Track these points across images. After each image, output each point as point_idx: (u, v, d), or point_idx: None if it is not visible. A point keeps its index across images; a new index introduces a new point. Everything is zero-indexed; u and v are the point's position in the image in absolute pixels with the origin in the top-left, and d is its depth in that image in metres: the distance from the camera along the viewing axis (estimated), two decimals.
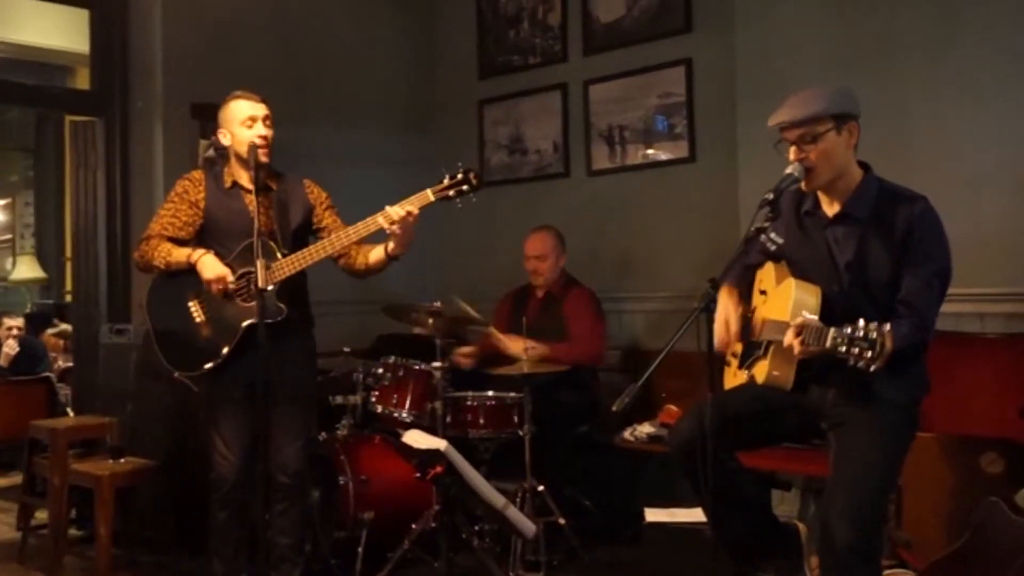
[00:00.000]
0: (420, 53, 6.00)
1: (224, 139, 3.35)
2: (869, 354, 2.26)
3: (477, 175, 3.29)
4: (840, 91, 2.68)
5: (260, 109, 3.32)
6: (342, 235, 3.28)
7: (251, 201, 3.27)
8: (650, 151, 5.11)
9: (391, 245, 3.32)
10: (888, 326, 2.27)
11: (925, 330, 2.56)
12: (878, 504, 2.61)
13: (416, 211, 3.21)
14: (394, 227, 3.21)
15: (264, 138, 3.29)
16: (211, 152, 4.73)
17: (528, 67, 5.61)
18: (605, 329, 4.58)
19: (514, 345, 4.24)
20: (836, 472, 2.63)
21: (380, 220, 3.22)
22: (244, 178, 3.35)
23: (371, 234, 3.28)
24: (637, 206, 5.13)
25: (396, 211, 3.20)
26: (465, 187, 3.27)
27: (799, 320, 2.48)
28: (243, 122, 3.29)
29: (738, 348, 2.98)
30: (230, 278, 3.24)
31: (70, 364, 5.64)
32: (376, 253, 3.39)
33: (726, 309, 2.84)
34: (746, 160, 4.43)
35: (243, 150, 3.28)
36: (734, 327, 2.84)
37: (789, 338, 2.48)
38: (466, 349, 4.59)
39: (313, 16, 5.41)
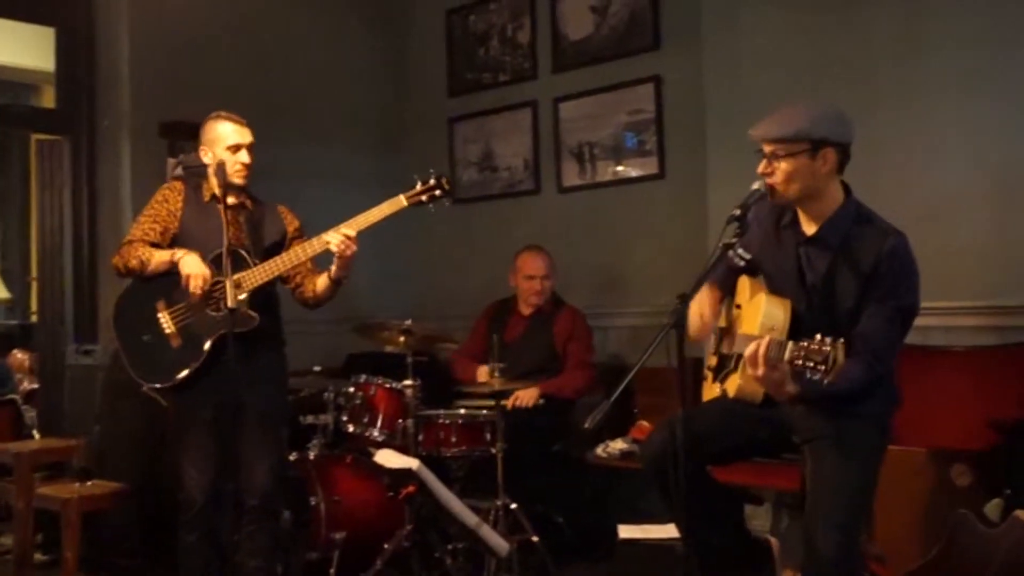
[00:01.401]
0: (390, 71, 6.01)
1: (205, 158, 3.35)
2: (822, 368, 2.27)
3: (449, 180, 3.35)
4: (827, 113, 2.65)
5: (246, 136, 3.34)
6: (291, 252, 3.30)
7: (225, 216, 3.25)
8: (620, 168, 5.14)
9: (333, 269, 3.34)
10: (841, 340, 2.28)
11: (881, 366, 2.57)
12: (858, 519, 2.63)
13: (353, 233, 3.22)
14: (337, 249, 3.22)
15: (245, 165, 3.32)
16: (179, 171, 4.70)
17: (498, 84, 5.64)
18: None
19: (526, 395, 4.27)
20: (813, 489, 2.64)
21: (326, 239, 3.24)
22: (222, 194, 3.33)
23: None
24: (608, 222, 5.15)
25: (333, 235, 3.23)
26: (438, 192, 3.32)
27: (766, 339, 2.48)
28: (228, 147, 3.31)
29: (713, 361, 2.99)
30: (209, 281, 3.20)
31: (35, 386, 5.56)
32: (322, 280, 3.41)
33: (701, 302, 2.85)
34: (715, 176, 4.46)
35: (224, 171, 3.28)
36: (708, 317, 2.84)
37: (750, 351, 2.47)
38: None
39: (283, 33, 5.41)
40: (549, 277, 4.61)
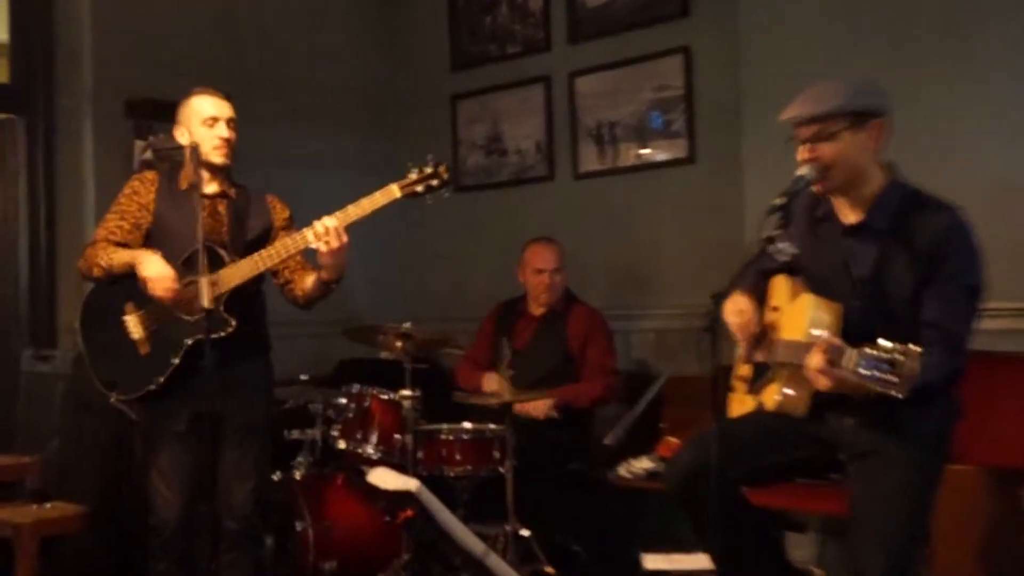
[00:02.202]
0: (384, 43, 6.02)
1: (181, 137, 3.36)
2: (895, 380, 2.26)
3: (447, 168, 3.34)
4: (864, 85, 2.68)
5: (224, 109, 3.35)
6: (272, 249, 3.29)
7: (206, 206, 3.29)
8: (644, 151, 5.14)
9: (320, 269, 3.34)
10: (916, 348, 2.28)
11: (959, 354, 2.58)
12: (911, 549, 2.63)
13: (334, 225, 3.19)
14: (319, 244, 3.20)
15: (225, 140, 3.33)
16: (147, 154, 4.72)
17: (507, 57, 5.64)
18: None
19: (535, 407, 4.29)
20: (861, 513, 2.65)
21: (307, 234, 3.23)
22: (201, 181, 3.35)
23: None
24: (630, 212, 5.16)
25: (315, 227, 3.20)
26: (435, 181, 3.31)
27: (825, 338, 2.48)
28: (204, 121, 3.31)
29: (746, 371, 2.99)
30: (174, 283, 3.21)
31: None
32: (311, 278, 3.40)
33: (737, 301, 2.85)
34: (752, 160, 4.46)
35: (204, 150, 3.30)
36: (750, 313, 2.84)
37: (815, 360, 2.47)
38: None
39: (264, 6, 5.42)
40: (560, 271, 4.64)
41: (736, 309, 2.84)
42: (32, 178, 4.84)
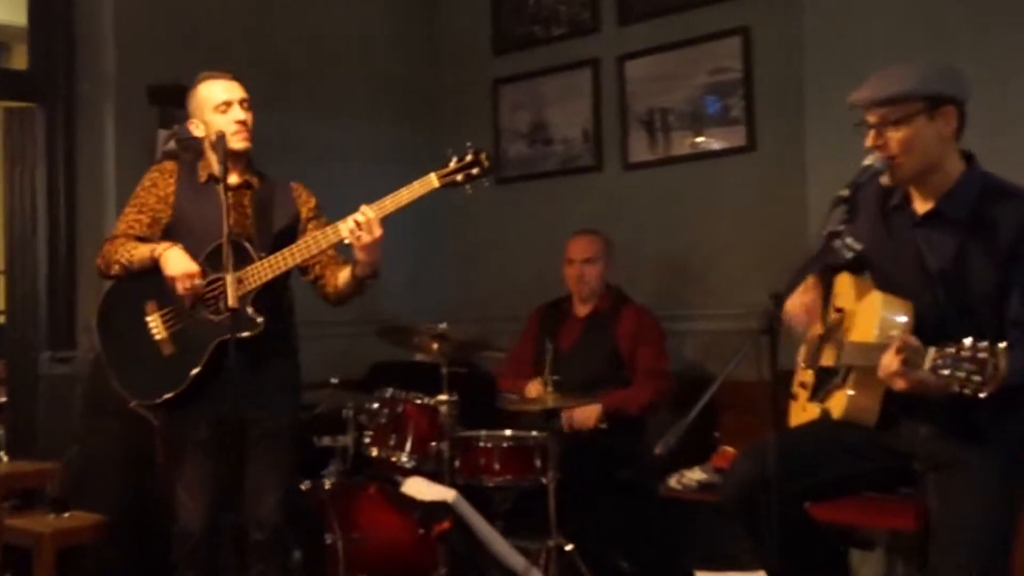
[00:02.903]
0: (422, 25, 6.04)
1: (196, 130, 3.39)
2: (978, 378, 2.24)
3: (488, 156, 3.34)
4: (940, 69, 2.65)
5: (235, 91, 3.36)
6: (302, 243, 3.31)
7: (227, 198, 3.29)
8: (699, 139, 5.12)
9: (355, 264, 3.34)
10: (1002, 345, 2.25)
11: None
12: (997, 565, 2.59)
13: (369, 217, 3.20)
14: (352, 238, 3.22)
15: (242, 123, 3.32)
16: (171, 145, 4.76)
17: (552, 40, 5.64)
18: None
19: (583, 414, 4.27)
20: (941, 529, 2.62)
21: (341, 228, 3.24)
22: (222, 172, 3.36)
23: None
24: (684, 205, 5.13)
25: (348, 221, 3.22)
26: (475, 170, 3.31)
27: (901, 338, 2.45)
28: (217, 107, 3.32)
29: (807, 377, 2.96)
30: (198, 279, 3.24)
31: (3, 399, 5.67)
32: (344, 274, 3.41)
33: (803, 292, 2.82)
34: (816, 149, 4.42)
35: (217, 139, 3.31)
36: (816, 302, 2.81)
37: (892, 362, 2.44)
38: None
39: None
40: (594, 261, 4.60)
41: (799, 301, 2.81)
42: (51, 169, 4.89)
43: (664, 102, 5.21)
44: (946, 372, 2.28)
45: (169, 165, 3.52)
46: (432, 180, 3.29)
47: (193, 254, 3.29)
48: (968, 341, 2.27)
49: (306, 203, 3.52)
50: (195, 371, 3.28)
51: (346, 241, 3.24)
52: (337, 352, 4.92)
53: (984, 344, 2.25)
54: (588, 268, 4.62)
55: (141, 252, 3.31)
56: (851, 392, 2.70)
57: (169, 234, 3.39)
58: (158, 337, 3.33)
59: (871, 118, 2.65)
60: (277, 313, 3.39)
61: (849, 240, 2.73)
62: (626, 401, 4.41)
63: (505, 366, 4.79)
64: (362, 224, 3.21)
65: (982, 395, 2.25)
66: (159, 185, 3.43)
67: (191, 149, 3.54)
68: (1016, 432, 2.64)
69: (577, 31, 5.54)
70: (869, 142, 2.66)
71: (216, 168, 3.37)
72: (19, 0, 5.00)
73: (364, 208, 3.23)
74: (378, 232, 3.22)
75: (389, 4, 5.91)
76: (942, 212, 2.66)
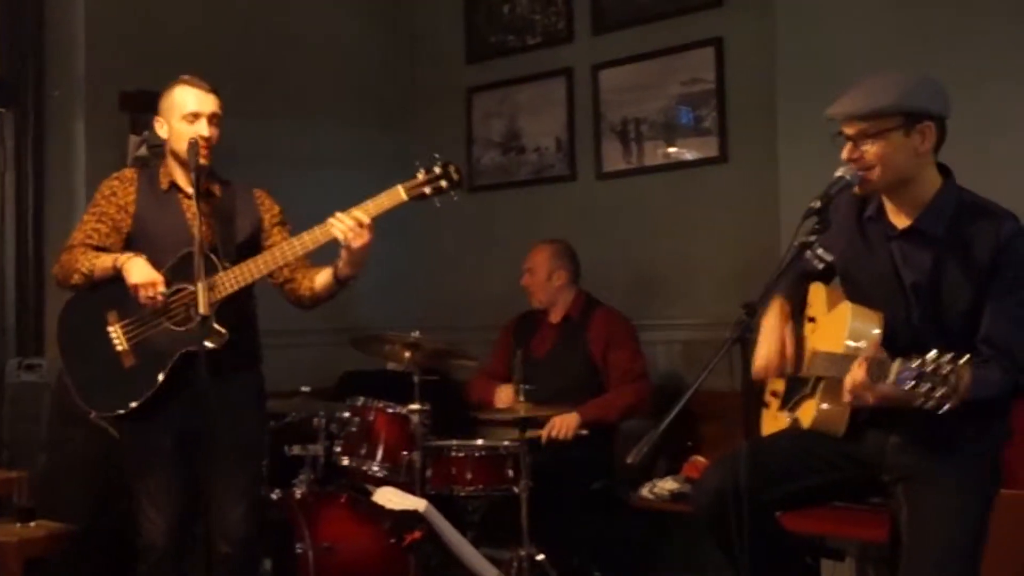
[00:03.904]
0: (396, 32, 6.03)
1: (160, 130, 3.35)
2: (941, 391, 2.24)
3: (458, 168, 3.33)
4: (920, 83, 2.65)
5: (208, 104, 3.31)
6: (286, 246, 3.29)
7: (190, 207, 3.27)
8: (672, 149, 5.13)
9: (339, 265, 3.32)
10: (964, 360, 2.26)
11: (1020, 373, 2.55)
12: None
13: (367, 219, 3.20)
14: (346, 238, 3.20)
15: (206, 139, 3.28)
16: (143, 151, 4.73)
17: (526, 48, 5.64)
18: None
19: (563, 425, 4.26)
20: (913, 540, 2.63)
21: (331, 228, 3.22)
22: (183, 179, 3.35)
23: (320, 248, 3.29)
24: (657, 215, 5.14)
25: (342, 218, 3.20)
26: (444, 183, 3.30)
27: (866, 351, 2.46)
28: (185, 116, 3.28)
29: (779, 386, 2.97)
30: (162, 288, 3.19)
31: None
32: (322, 276, 3.39)
33: (776, 326, 2.83)
34: (788, 159, 4.44)
35: (181, 147, 3.28)
36: (790, 349, 2.82)
37: (857, 375, 2.46)
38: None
39: None
40: (533, 271, 4.65)
41: (775, 338, 2.82)
42: (20, 175, 4.86)
43: (637, 112, 5.22)
44: (909, 385, 2.29)
45: (128, 173, 3.47)
46: (400, 193, 3.27)
47: (155, 263, 3.24)
48: (932, 355, 2.27)
49: (269, 210, 3.49)
50: (158, 382, 3.23)
51: (340, 239, 3.21)
52: (308, 361, 4.91)
53: (947, 358, 2.26)
54: (529, 278, 4.68)
55: (103, 262, 3.26)
56: (820, 402, 2.71)
57: (130, 243, 3.35)
58: (119, 348, 3.29)
59: (848, 130, 2.66)
60: (241, 323, 3.35)
61: (820, 251, 2.74)
62: (605, 408, 4.40)
63: (476, 378, 4.78)
64: (363, 224, 3.20)
65: (944, 409, 2.26)
66: (118, 194, 3.38)
67: (161, 153, 3.50)
68: (985, 443, 2.66)
69: (551, 40, 5.54)
70: (845, 155, 2.66)
71: (177, 175, 3.35)
72: None
73: (356, 211, 3.22)
74: (370, 236, 3.22)
75: (363, 12, 5.90)
76: (920, 229, 2.67)
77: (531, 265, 4.68)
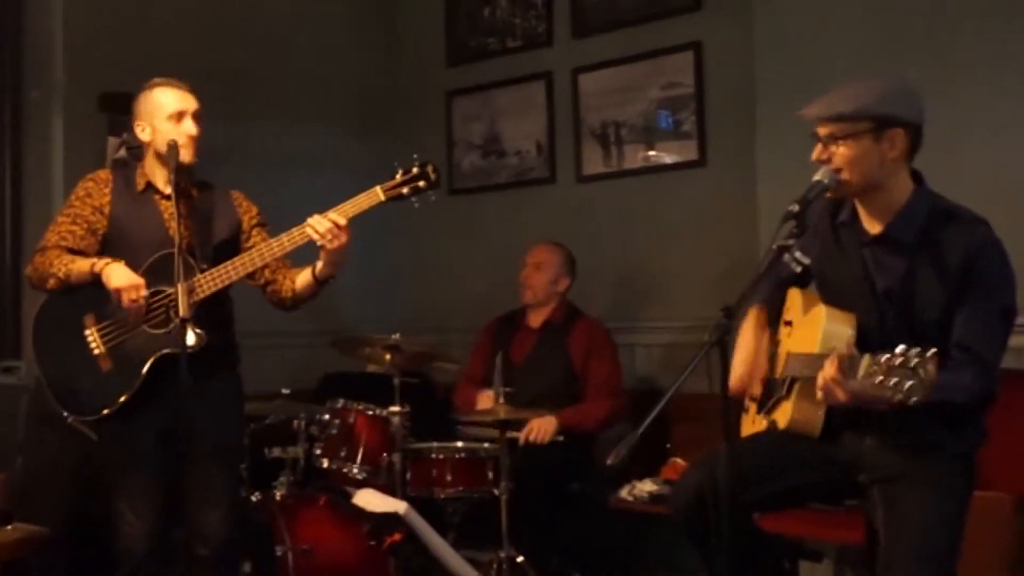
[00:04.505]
0: (376, 35, 6.03)
1: (142, 133, 3.34)
2: (909, 383, 2.25)
3: (435, 168, 3.33)
4: (895, 90, 2.66)
5: (190, 102, 3.32)
6: (264, 247, 3.29)
7: (167, 208, 3.27)
8: (652, 152, 5.15)
9: (319, 265, 3.32)
10: (931, 351, 2.27)
11: (991, 379, 2.58)
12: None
13: (344, 221, 3.21)
14: (322, 240, 3.21)
15: (192, 138, 3.28)
16: (122, 152, 4.71)
17: (506, 52, 5.65)
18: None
19: (541, 430, 4.27)
20: (890, 541, 2.64)
21: (308, 230, 3.23)
22: (161, 180, 3.34)
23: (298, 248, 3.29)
24: (637, 218, 5.16)
25: (319, 221, 3.21)
26: (422, 183, 3.30)
27: (838, 349, 2.48)
28: (170, 116, 3.28)
29: (757, 390, 2.99)
30: (144, 292, 3.18)
31: None
32: (303, 277, 3.39)
33: (750, 341, 2.85)
34: (766, 163, 4.46)
35: (164, 148, 3.28)
36: (761, 365, 2.85)
37: (828, 371, 2.47)
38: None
39: None
40: (542, 268, 4.65)
41: (744, 354, 2.84)
42: None
43: (617, 115, 5.23)
44: (878, 380, 2.30)
45: (104, 174, 3.45)
46: (377, 193, 3.28)
47: (131, 264, 3.23)
48: (900, 348, 2.29)
49: (248, 211, 3.48)
50: (135, 386, 3.22)
51: (317, 240, 3.21)
52: (289, 363, 4.90)
53: (915, 351, 2.27)
54: (535, 273, 4.65)
55: (79, 266, 3.24)
56: (795, 403, 2.73)
57: (106, 244, 3.33)
58: (96, 352, 3.27)
59: (821, 131, 2.68)
60: (219, 325, 3.35)
61: (798, 254, 2.74)
62: (583, 417, 4.42)
63: (460, 386, 4.79)
64: (340, 227, 3.20)
65: (913, 401, 2.27)
66: (94, 195, 3.36)
67: (140, 157, 3.49)
68: (960, 447, 2.67)
69: (531, 44, 5.55)
70: (815, 155, 2.68)
71: (155, 176, 3.34)
72: None
73: (330, 213, 3.22)
74: (348, 236, 3.23)
75: (344, 15, 5.89)
76: (892, 235, 2.68)
77: (539, 261, 4.67)
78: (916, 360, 2.26)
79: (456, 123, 5.85)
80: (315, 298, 3.45)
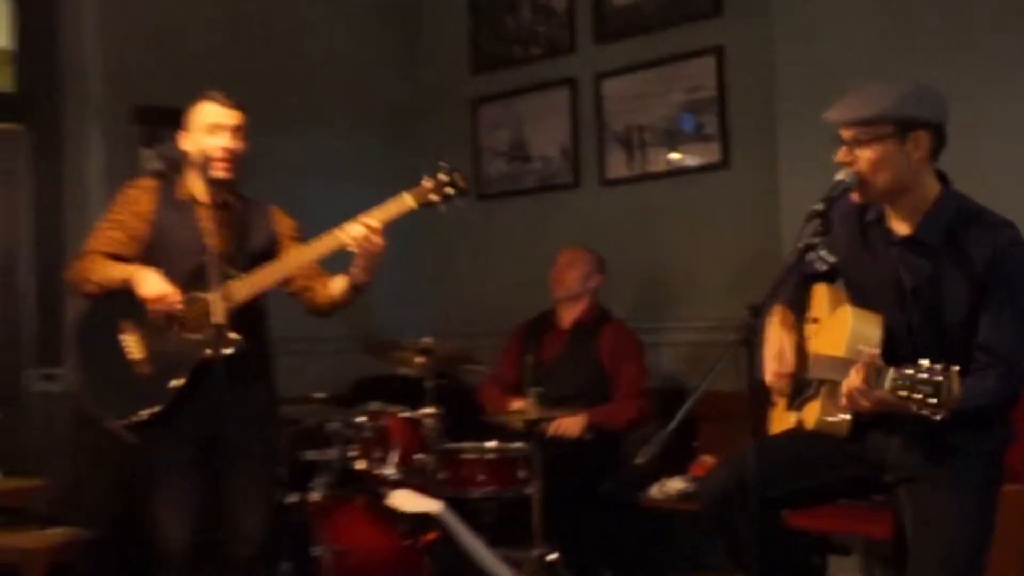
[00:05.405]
0: (402, 45, 6.06)
1: (185, 144, 3.36)
2: (933, 400, 2.26)
3: (464, 176, 3.34)
4: (917, 91, 2.64)
5: (231, 117, 3.31)
6: (296, 253, 3.32)
7: (205, 217, 3.30)
8: (675, 156, 5.15)
9: (354, 272, 3.34)
10: (956, 368, 2.28)
11: (1015, 382, 2.56)
12: (974, 573, 2.61)
13: (378, 225, 3.22)
14: (356, 245, 3.22)
15: (227, 151, 3.29)
16: (157, 163, 4.77)
17: (530, 59, 5.67)
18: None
19: (569, 421, 4.30)
20: (917, 541, 2.63)
21: (341, 236, 3.24)
22: (200, 191, 3.36)
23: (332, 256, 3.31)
24: (660, 221, 5.17)
25: (352, 227, 3.22)
26: (451, 190, 3.30)
27: (866, 355, 2.48)
28: (209, 128, 3.29)
29: (786, 385, 2.98)
30: (175, 298, 3.21)
31: None
32: (339, 283, 3.39)
33: (779, 337, 2.86)
34: (788, 165, 4.47)
35: (200, 159, 3.30)
36: (789, 356, 2.85)
37: (852, 378, 2.47)
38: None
39: (274, 5, 5.47)
40: (575, 265, 4.67)
41: (774, 349, 2.85)
42: (37, 189, 4.90)
43: (640, 120, 5.24)
44: (904, 393, 2.30)
45: (148, 182, 3.48)
46: (407, 200, 3.28)
47: (170, 272, 3.25)
48: (925, 362, 2.29)
49: (285, 225, 3.50)
50: (174, 391, 3.23)
51: (352, 246, 3.23)
52: (323, 367, 4.93)
53: (939, 367, 2.27)
54: (567, 269, 4.67)
55: (115, 273, 3.27)
56: (823, 404, 2.72)
57: (147, 251, 3.34)
58: (134, 357, 3.29)
59: (844, 134, 2.67)
60: (254, 331, 3.37)
61: (823, 252, 2.75)
62: (612, 415, 4.45)
63: (486, 383, 4.81)
64: (373, 231, 3.21)
65: (937, 417, 2.28)
66: (136, 201, 3.39)
67: (176, 167, 3.53)
68: (985, 445, 2.66)
69: (554, 51, 5.57)
70: (840, 157, 2.67)
71: (196, 187, 3.36)
72: (4, 23, 4.99)
73: (365, 217, 3.23)
74: (382, 241, 3.24)
75: (370, 24, 5.93)
76: (919, 237, 2.67)
77: (571, 259, 4.70)
78: (940, 378, 2.26)
79: (482, 130, 5.87)
80: (351, 304, 3.46)
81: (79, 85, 4.90)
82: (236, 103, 3.37)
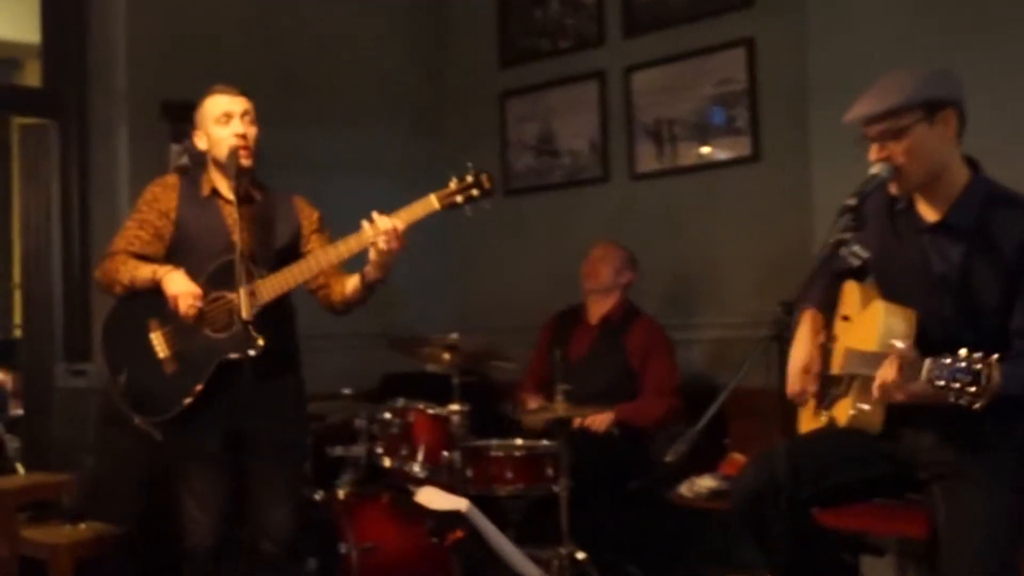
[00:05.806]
0: (429, 38, 6.06)
1: (200, 143, 3.38)
2: (972, 389, 2.24)
3: (490, 177, 3.32)
4: (931, 73, 2.65)
5: (238, 103, 3.33)
6: (322, 254, 3.31)
7: (230, 213, 3.31)
8: (705, 149, 5.12)
9: (368, 270, 3.33)
10: (995, 356, 2.25)
11: None
12: (1010, 572, 2.58)
13: (403, 227, 3.21)
14: (378, 237, 3.21)
15: (243, 136, 3.30)
16: (185, 160, 4.78)
17: (558, 52, 5.65)
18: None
19: (599, 419, 4.29)
20: (950, 539, 2.61)
21: (366, 225, 3.22)
22: (224, 186, 3.37)
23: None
24: (690, 215, 5.14)
25: (381, 219, 3.21)
26: (476, 192, 3.29)
27: (899, 349, 2.45)
28: (217, 119, 3.30)
29: (814, 386, 2.95)
30: (199, 299, 3.23)
31: (19, 411, 5.68)
32: (352, 282, 3.40)
33: (806, 346, 2.83)
34: (821, 158, 4.42)
35: (221, 153, 3.30)
36: (815, 369, 2.82)
37: (888, 374, 2.45)
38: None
39: (301, 1, 5.46)
40: (606, 260, 4.65)
41: (800, 359, 2.82)
42: (66, 185, 4.92)
43: (670, 113, 5.21)
44: (941, 383, 2.29)
45: (171, 179, 3.50)
46: (432, 201, 3.27)
47: (195, 269, 3.28)
48: (963, 352, 2.28)
49: (308, 216, 3.50)
50: (198, 389, 3.26)
51: (372, 240, 3.21)
52: (349, 363, 4.93)
53: (978, 355, 2.25)
54: (599, 263, 4.66)
55: (142, 273, 3.30)
56: (854, 400, 2.70)
57: (171, 249, 3.37)
58: (161, 355, 3.32)
59: (871, 132, 2.65)
60: (280, 328, 3.37)
61: (856, 248, 2.72)
62: (640, 412, 4.42)
63: (523, 381, 4.80)
64: (398, 231, 3.20)
65: (977, 406, 2.26)
66: (160, 199, 3.41)
67: (202, 164, 3.53)
68: (1019, 439, 2.63)
69: (583, 44, 5.55)
70: (873, 156, 2.66)
71: (218, 182, 3.37)
72: (32, 18, 5.03)
73: (392, 217, 3.22)
74: (400, 244, 3.23)
75: (397, 18, 5.93)
76: (950, 223, 2.66)
77: (602, 254, 4.69)
78: (979, 365, 2.24)
79: (510, 124, 5.85)
80: (364, 303, 3.46)
81: (107, 80, 4.92)
82: (240, 89, 3.38)
